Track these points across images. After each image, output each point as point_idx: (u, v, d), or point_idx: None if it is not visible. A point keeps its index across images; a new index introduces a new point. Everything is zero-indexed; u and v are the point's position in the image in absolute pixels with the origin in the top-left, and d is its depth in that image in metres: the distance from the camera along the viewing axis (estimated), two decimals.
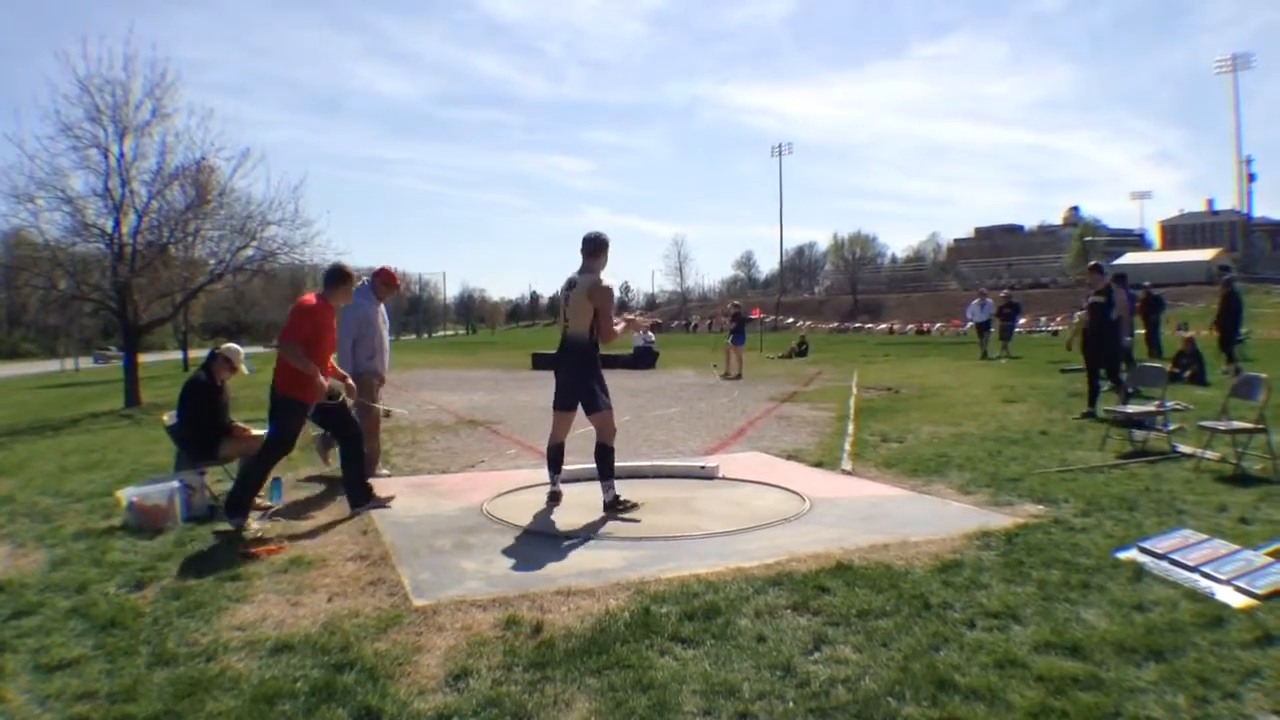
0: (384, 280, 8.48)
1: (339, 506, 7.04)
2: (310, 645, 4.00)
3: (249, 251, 20.34)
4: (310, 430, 7.91)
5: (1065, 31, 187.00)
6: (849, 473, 8.21)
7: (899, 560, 5.16)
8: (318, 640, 4.05)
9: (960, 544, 5.51)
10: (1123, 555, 5.16)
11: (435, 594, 4.71)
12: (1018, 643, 3.91)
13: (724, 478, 7.95)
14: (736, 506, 6.81)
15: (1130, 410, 9.21)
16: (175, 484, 6.63)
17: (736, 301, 33.00)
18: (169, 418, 7.48)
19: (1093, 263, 13.25)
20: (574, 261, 6.92)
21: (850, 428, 11.00)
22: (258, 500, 7.05)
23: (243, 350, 7.65)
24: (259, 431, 7.56)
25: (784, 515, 6.43)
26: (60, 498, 7.79)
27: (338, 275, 6.95)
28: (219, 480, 7.46)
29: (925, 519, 6.24)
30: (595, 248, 6.83)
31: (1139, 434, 9.17)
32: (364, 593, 4.81)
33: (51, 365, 53.03)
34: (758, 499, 7.06)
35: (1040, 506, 6.55)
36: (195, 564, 5.44)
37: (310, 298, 6.71)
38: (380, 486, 7.31)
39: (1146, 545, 5.18)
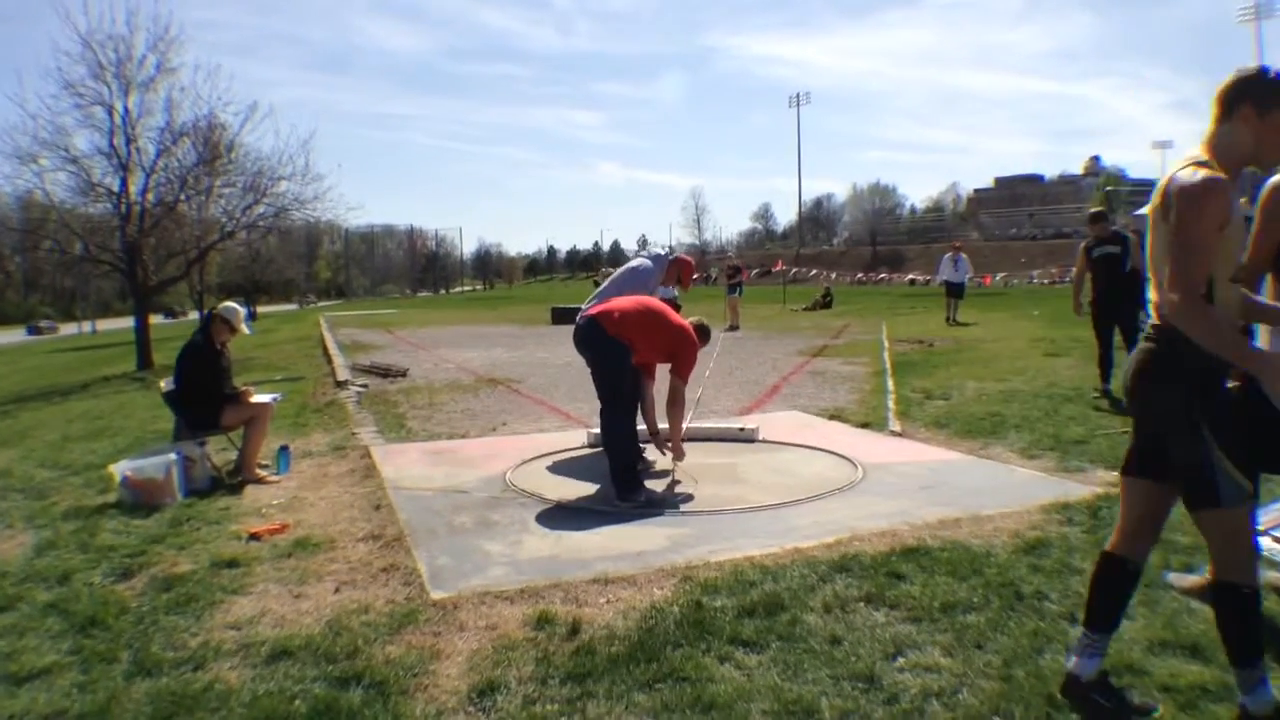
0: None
1: (350, 478, 6.52)
2: (312, 650, 3.46)
3: (261, 208, 20.03)
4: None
5: None
6: (898, 434, 7.61)
7: (976, 539, 4.59)
8: (321, 644, 3.52)
9: (1039, 519, 4.94)
10: None
11: (455, 584, 4.18)
12: (1129, 641, 3.32)
13: (765, 440, 7.37)
14: (783, 474, 6.23)
15: None
16: (173, 456, 6.08)
17: (731, 256, 33.60)
18: (165, 384, 6.95)
19: (1095, 209, 12.09)
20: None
21: (890, 384, 10.39)
22: (260, 472, 6.54)
23: (242, 310, 7.11)
24: (263, 397, 7.03)
25: (836, 484, 5.85)
26: (58, 470, 7.32)
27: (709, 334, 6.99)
28: (223, 449, 6.96)
29: (992, 488, 5.65)
30: None
31: None
32: (375, 582, 4.28)
33: (69, 329, 52.82)
34: (805, 465, 6.48)
35: (1114, 473, 5.93)
36: (191, 547, 4.92)
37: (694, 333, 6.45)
38: None
39: None
